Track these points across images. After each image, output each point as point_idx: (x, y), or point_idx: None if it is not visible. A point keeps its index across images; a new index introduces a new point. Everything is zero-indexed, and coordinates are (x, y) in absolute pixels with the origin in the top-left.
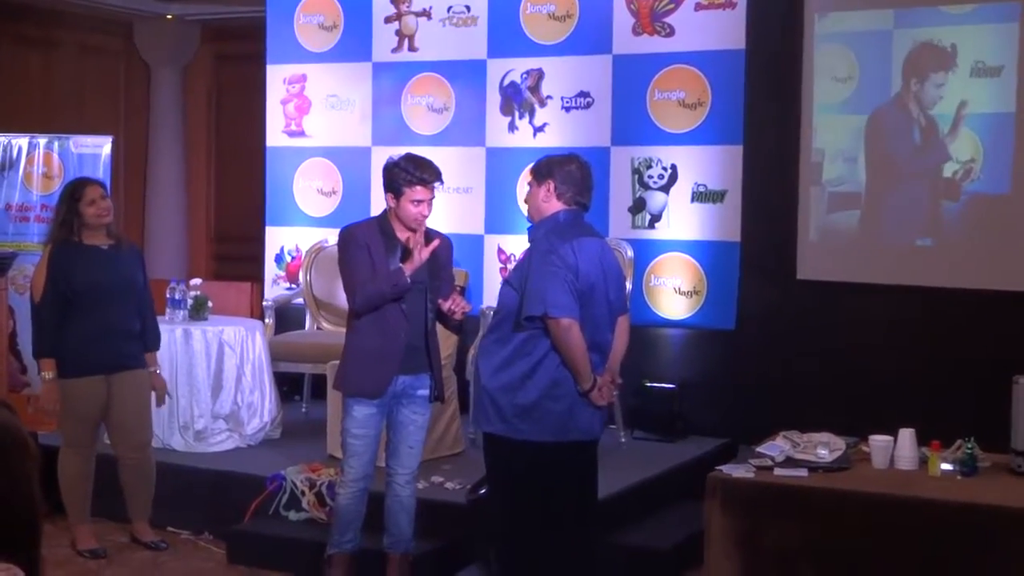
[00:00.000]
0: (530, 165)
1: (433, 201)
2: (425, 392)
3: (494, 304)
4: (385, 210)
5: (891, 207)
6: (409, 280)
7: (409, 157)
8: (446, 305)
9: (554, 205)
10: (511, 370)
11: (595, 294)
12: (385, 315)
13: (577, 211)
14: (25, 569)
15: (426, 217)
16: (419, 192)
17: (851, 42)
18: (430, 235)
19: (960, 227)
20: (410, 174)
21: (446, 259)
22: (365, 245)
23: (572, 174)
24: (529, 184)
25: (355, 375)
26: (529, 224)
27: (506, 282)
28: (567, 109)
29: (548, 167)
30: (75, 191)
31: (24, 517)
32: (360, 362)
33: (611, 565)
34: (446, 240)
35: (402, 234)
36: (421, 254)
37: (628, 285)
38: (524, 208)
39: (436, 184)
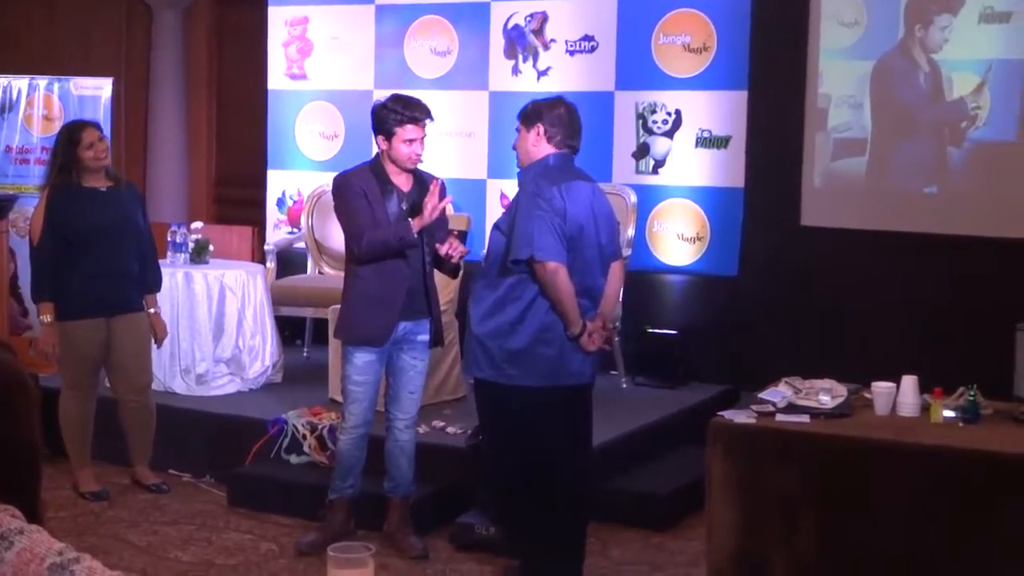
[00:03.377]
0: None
1: (425, 139)
2: (425, 337)
3: None
4: (377, 154)
5: (897, 154)
6: (416, 236)
7: (396, 97)
8: (443, 249)
9: (544, 149)
10: (500, 315)
11: (584, 238)
12: (385, 260)
13: (567, 154)
14: (25, 511)
15: (419, 156)
16: (410, 131)
17: None
18: (423, 178)
19: (966, 174)
20: (399, 113)
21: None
22: (362, 192)
23: (561, 117)
24: (518, 130)
25: (357, 322)
26: (518, 169)
27: (495, 226)
28: (571, 53)
29: (536, 111)
30: (72, 135)
31: (24, 459)
32: (362, 309)
33: (612, 510)
34: (439, 182)
35: (396, 177)
36: (431, 213)
37: (631, 231)
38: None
39: (427, 121)
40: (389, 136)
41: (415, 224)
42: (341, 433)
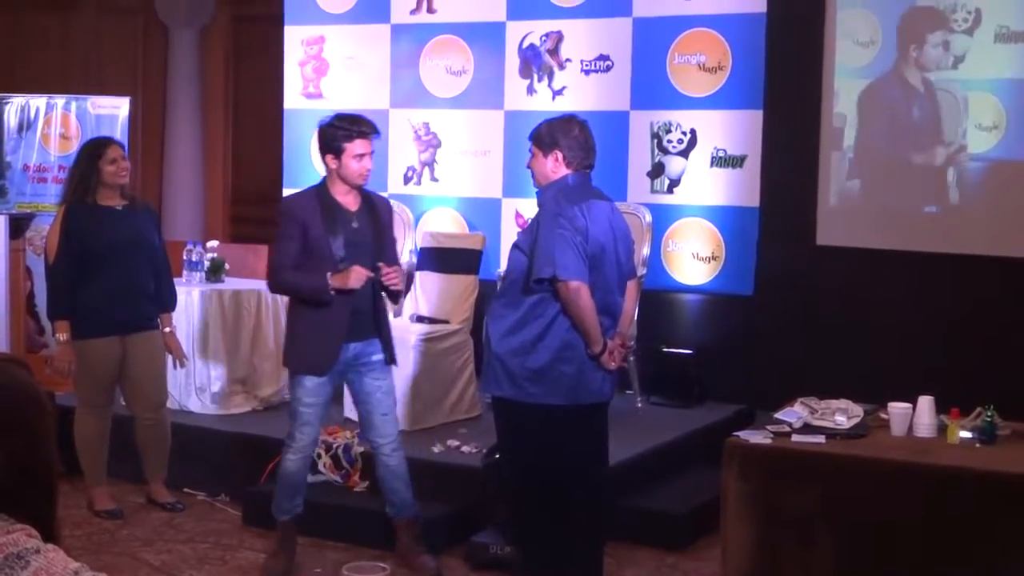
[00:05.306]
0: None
1: (372, 156)
2: (380, 356)
3: None
4: (324, 178)
5: (912, 173)
6: (332, 295)
7: (340, 115)
8: (385, 271)
9: (563, 172)
10: (522, 333)
11: (605, 257)
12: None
13: (585, 174)
14: (41, 529)
15: (369, 170)
16: (360, 145)
17: (874, 6)
18: (372, 198)
19: (983, 193)
20: (347, 129)
21: (387, 221)
22: (301, 221)
23: (577, 139)
24: (532, 152)
25: (302, 350)
26: (536, 188)
27: (515, 246)
28: (586, 72)
29: (552, 135)
30: (96, 149)
31: (40, 477)
32: (305, 336)
33: (627, 529)
34: (385, 203)
35: (343, 197)
36: (352, 281)
37: (646, 250)
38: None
39: (374, 136)
40: (339, 153)
41: (334, 282)
42: (291, 453)
